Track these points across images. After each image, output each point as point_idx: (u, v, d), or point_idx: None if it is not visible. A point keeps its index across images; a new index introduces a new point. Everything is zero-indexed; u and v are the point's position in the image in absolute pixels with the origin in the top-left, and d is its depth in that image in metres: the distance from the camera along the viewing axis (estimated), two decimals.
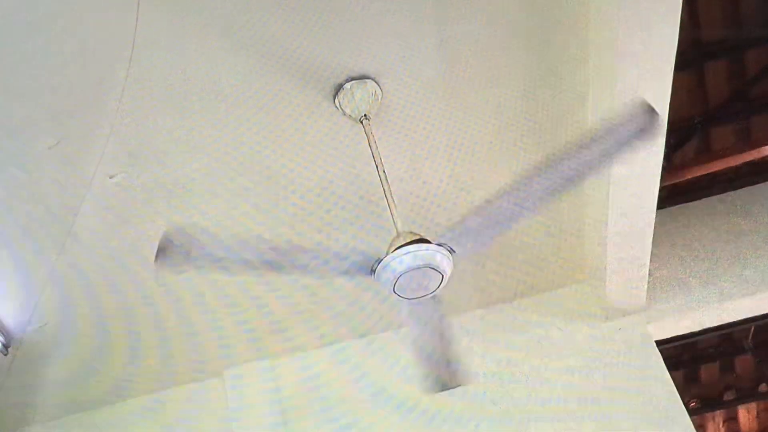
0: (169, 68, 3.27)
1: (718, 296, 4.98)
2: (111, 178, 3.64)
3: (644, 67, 3.33)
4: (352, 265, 3.02)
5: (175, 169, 3.72)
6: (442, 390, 3.76)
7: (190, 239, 2.72)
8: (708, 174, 5.41)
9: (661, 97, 3.48)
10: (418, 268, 2.93)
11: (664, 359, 4.89)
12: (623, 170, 3.83)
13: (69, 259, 4.10)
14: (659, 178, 3.93)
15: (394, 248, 2.96)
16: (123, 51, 3.14)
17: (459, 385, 3.73)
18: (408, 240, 2.97)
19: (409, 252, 2.92)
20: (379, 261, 2.95)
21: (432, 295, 3.10)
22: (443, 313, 3.35)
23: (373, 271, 2.99)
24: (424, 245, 2.95)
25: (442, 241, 2.97)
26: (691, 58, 4.84)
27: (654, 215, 4.20)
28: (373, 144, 3.44)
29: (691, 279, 5.10)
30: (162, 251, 2.66)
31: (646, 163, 3.82)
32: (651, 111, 2.70)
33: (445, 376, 3.67)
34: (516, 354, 5.07)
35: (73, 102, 3.30)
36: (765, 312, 5.23)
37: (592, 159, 2.83)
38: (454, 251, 2.99)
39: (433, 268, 2.96)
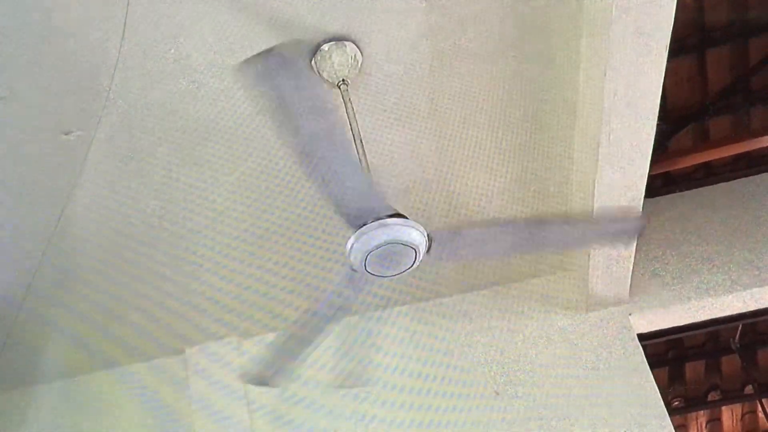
0: (161, 39, 3.22)
1: (704, 291, 4.96)
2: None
3: (637, 51, 3.25)
4: (346, 290, 3.19)
5: (160, 136, 3.67)
6: (258, 384, 3.94)
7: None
8: (704, 163, 5.38)
9: (654, 83, 3.40)
10: (393, 243, 2.86)
11: (649, 355, 4.90)
12: (609, 158, 3.78)
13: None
14: (647, 169, 3.88)
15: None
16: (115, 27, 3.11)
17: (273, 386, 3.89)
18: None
19: (384, 225, 2.84)
20: (352, 243, 2.89)
21: (405, 274, 3.04)
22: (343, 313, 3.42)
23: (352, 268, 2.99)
24: (401, 220, 2.88)
25: (431, 233, 2.95)
26: (693, 43, 4.81)
27: (641, 205, 4.13)
28: (350, 111, 3.35)
29: (677, 272, 5.07)
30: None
31: (633, 155, 3.77)
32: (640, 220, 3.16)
33: (270, 372, 3.77)
34: (497, 341, 5.07)
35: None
36: (752, 310, 5.20)
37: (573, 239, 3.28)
38: (430, 251, 2.98)
39: (409, 246, 2.89)
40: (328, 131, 2.54)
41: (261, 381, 3.83)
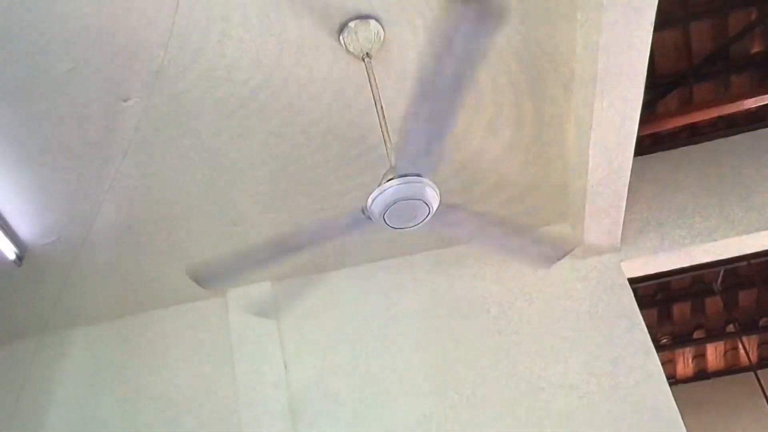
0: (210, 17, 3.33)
1: (688, 238, 5.04)
2: (125, 101, 3.65)
3: (627, 27, 3.32)
4: (347, 226, 3.17)
5: (184, 99, 3.75)
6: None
7: (220, 269, 3.23)
8: (689, 125, 5.45)
9: (641, 54, 3.46)
10: (407, 199, 2.96)
11: (640, 297, 4.98)
12: (602, 121, 3.85)
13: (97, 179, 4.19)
14: (637, 125, 3.94)
15: (386, 180, 2.98)
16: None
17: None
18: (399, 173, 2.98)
19: (399, 183, 2.94)
20: (368, 198, 2.99)
21: (421, 225, 3.14)
22: None
23: (364, 212, 3.06)
24: (419, 178, 2.96)
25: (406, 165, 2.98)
26: (677, 17, 4.87)
27: (631, 161, 4.22)
28: (373, 82, 3.44)
29: (664, 221, 5.14)
30: (201, 282, 3.17)
31: (623, 117, 3.85)
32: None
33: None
34: (501, 286, 5.18)
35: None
36: (732, 256, 5.33)
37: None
38: (421, 174, 2.99)
39: (421, 200, 2.98)
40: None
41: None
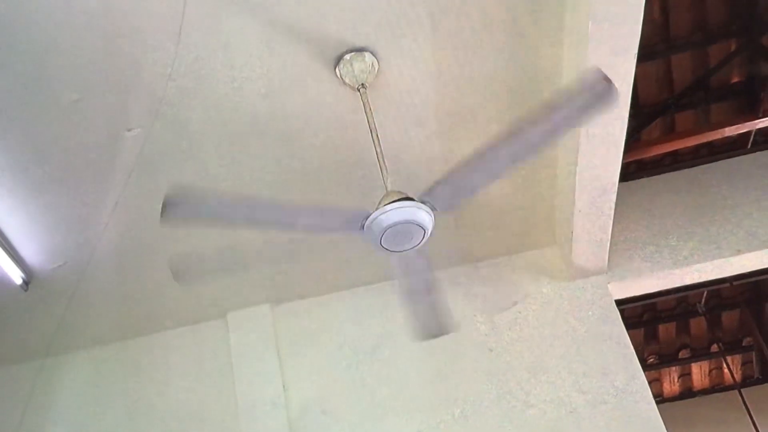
0: (211, 48, 3.37)
1: (672, 261, 5.06)
2: (129, 131, 3.68)
3: (612, 52, 3.36)
4: (343, 222, 3.06)
5: (187, 126, 3.78)
6: (431, 338, 3.89)
7: (194, 196, 2.77)
8: (671, 152, 5.51)
9: (625, 78, 3.49)
10: (403, 223, 2.96)
11: (627, 318, 4.97)
12: (588, 149, 3.89)
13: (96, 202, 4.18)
14: (622, 152, 3.98)
15: (382, 205, 2.98)
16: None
17: (446, 333, 3.87)
18: (395, 198, 2.99)
19: (395, 208, 2.95)
20: (368, 216, 2.97)
21: (416, 248, 3.13)
22: (429, 266, 3.39)
23: (362, 227, 3.01)
24: (409, 202, 2.98)
25: (425, 197, 3.00)
26: (660, 50, 4.93)
27: (617, 186, 4.26)
28: (368, 111, 3.48)
29: (649, 245, 5.16)
30: (168, 206, 2.74)
31: (610, 138, 3.87)
32: (607, 81, 2.64)
33: (433, 324, 3.78)
34: (497, 304, 5.19)
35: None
36: (715, 278, 5.32)
37: (554, 126, 2.84)
38: (436, 209, 3.02)
39: (416, 224, 2.98)
40: None
41: (434, 335, 3.90)
